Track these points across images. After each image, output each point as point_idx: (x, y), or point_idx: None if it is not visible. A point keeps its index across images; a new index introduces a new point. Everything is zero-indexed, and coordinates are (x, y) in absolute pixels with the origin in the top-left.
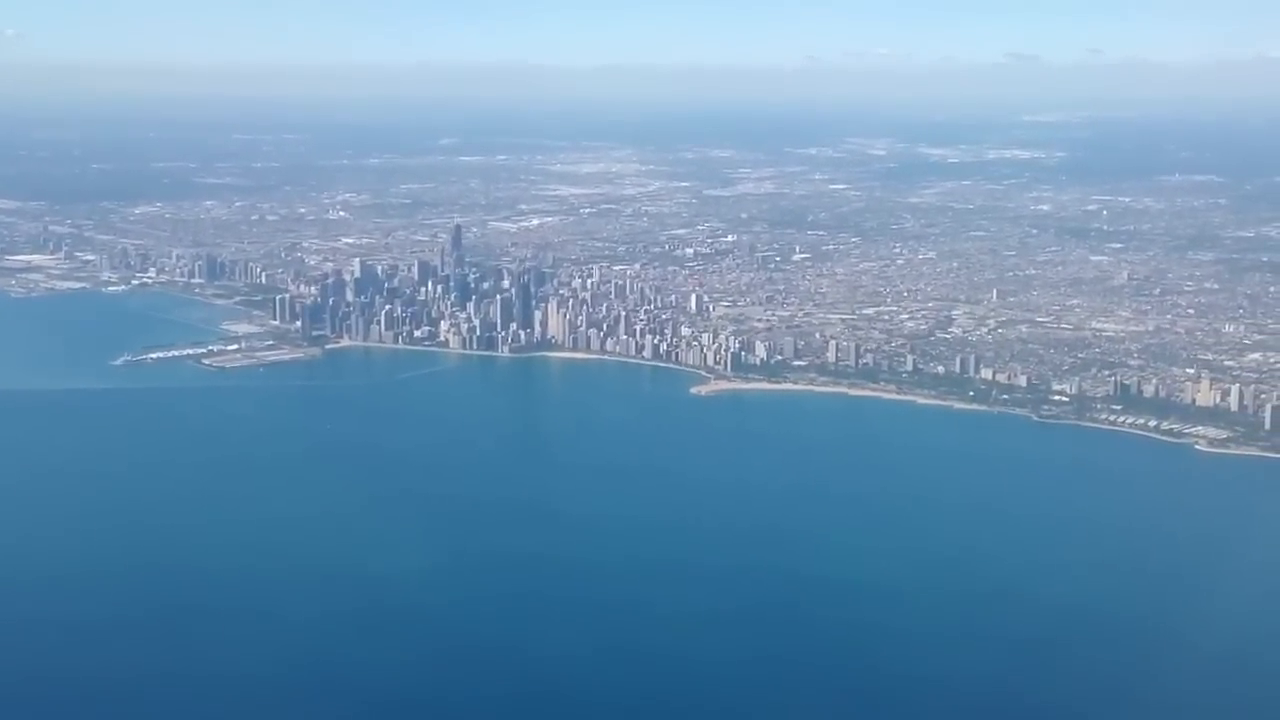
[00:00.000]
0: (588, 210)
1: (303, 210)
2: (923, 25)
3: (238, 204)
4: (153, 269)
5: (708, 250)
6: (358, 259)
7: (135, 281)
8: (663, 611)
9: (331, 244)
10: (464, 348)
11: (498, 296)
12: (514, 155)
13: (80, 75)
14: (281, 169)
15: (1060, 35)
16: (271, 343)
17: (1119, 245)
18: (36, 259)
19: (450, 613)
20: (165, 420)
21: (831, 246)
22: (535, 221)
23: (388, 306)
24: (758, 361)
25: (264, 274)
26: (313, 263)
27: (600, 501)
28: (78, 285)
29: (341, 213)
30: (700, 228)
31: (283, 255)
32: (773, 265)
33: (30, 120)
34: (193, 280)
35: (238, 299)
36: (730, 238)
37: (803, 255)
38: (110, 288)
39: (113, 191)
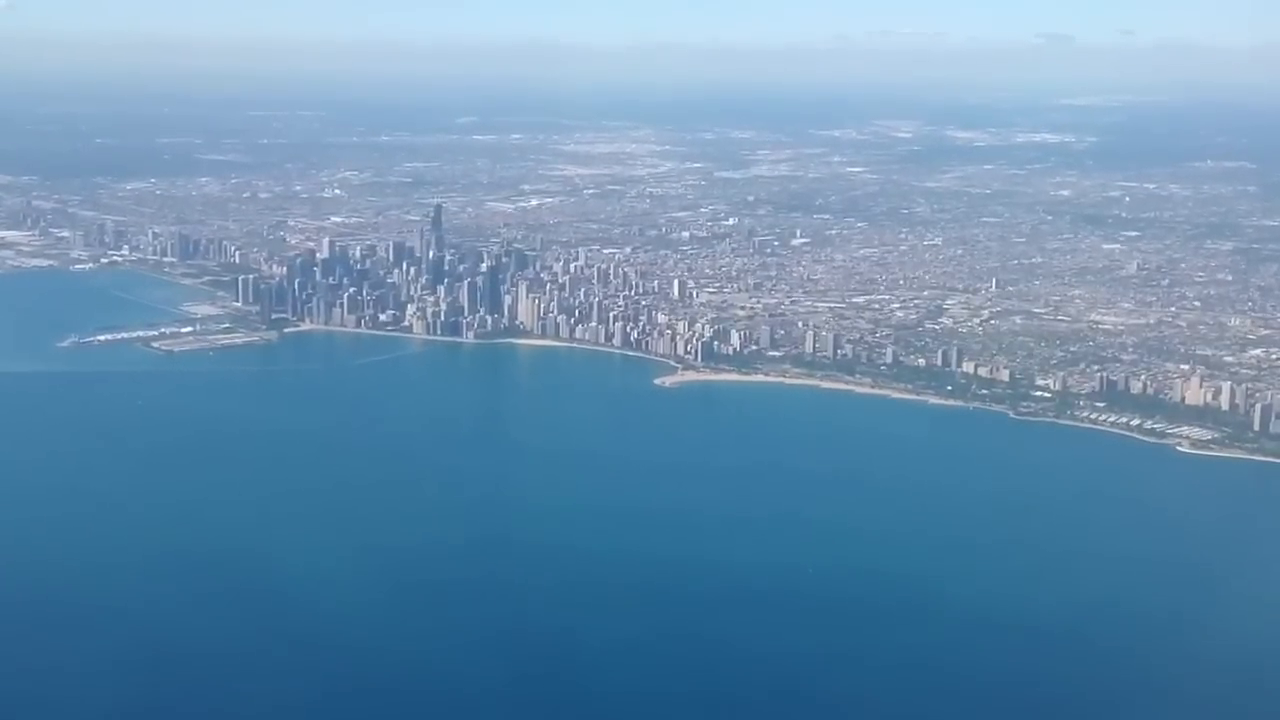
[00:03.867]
0: (591, 191)
1: (298, 188)
2: (954, 3)
3: (233, 181)
4: (126, 247)
5: (705, 234)
6: (328, 239)
7: (105, 260)
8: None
9: (318, 223)
10: (428, 333)
11: (467, 280)
12: (529, 134)
13: (82, 50)
14: (287, 146)
15: (1094, 15)
16: (228, 325)
17: (1135, 233)
18: (10, 235)
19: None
20: (87, 406)
21: (835, 231)
22: (534, 202)
23: (352, 289)
24: (730, 351)
25: (238, 253)
26: (294, 242)
27: (512, 489)
28: (45, 263)
29: (337, 191)
30: (703, 210)
31: (265, 234)
32: (769, 250)
33: (39, 95)
34: (164, 259)
35: (206, 279)
36: (731, 221)
37: (803, 240)
38: (78, 266)
39: (110, 167)
